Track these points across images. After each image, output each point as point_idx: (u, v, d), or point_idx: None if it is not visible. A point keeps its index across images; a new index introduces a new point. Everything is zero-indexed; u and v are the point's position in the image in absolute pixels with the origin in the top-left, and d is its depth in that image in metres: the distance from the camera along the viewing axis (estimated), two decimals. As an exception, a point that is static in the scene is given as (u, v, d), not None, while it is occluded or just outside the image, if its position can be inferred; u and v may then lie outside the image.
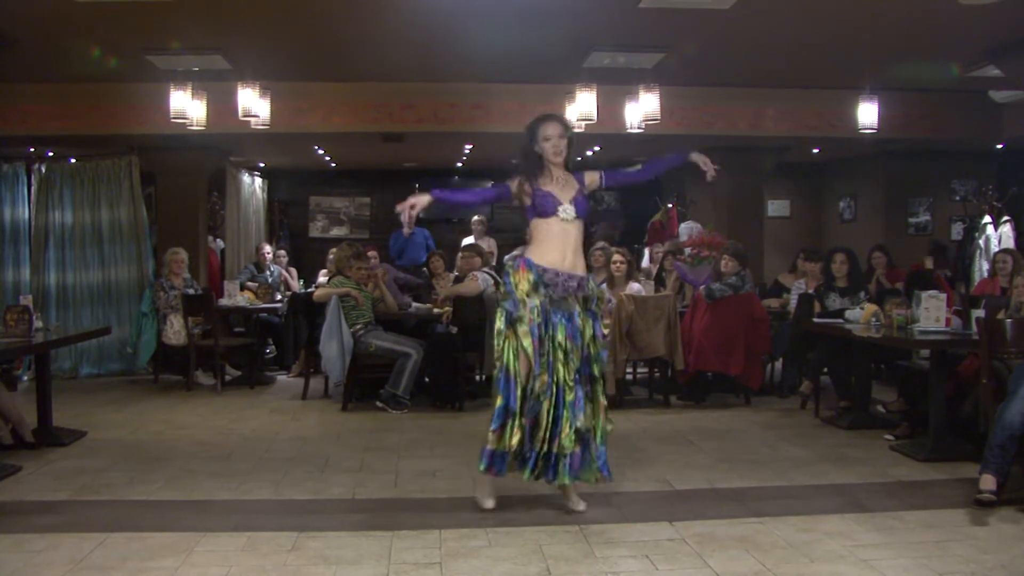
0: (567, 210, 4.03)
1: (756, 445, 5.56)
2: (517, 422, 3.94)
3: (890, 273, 7.63)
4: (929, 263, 8.63)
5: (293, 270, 10.13)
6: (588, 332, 4.06)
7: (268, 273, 9.28)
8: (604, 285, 7.20)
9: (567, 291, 4.02)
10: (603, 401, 4.11)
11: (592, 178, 4.18)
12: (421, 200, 4.02)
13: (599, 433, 4.07)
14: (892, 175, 11.01)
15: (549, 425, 3.94)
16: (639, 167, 4.76)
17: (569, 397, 3.95)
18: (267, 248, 9.68)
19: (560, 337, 3.96)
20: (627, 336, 6.59)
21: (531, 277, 3.97)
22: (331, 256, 9.61)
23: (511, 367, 3.96)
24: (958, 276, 9.21)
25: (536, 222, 4.09)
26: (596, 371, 4.09)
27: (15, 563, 3.46)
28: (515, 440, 3.94)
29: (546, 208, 4.04)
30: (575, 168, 4.22)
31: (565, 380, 3.95)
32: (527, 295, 3.96)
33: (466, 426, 6.02)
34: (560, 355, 3.95)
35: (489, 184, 3.96)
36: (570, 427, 3.95)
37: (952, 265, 9.31)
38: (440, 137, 8.97)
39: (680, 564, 3.44)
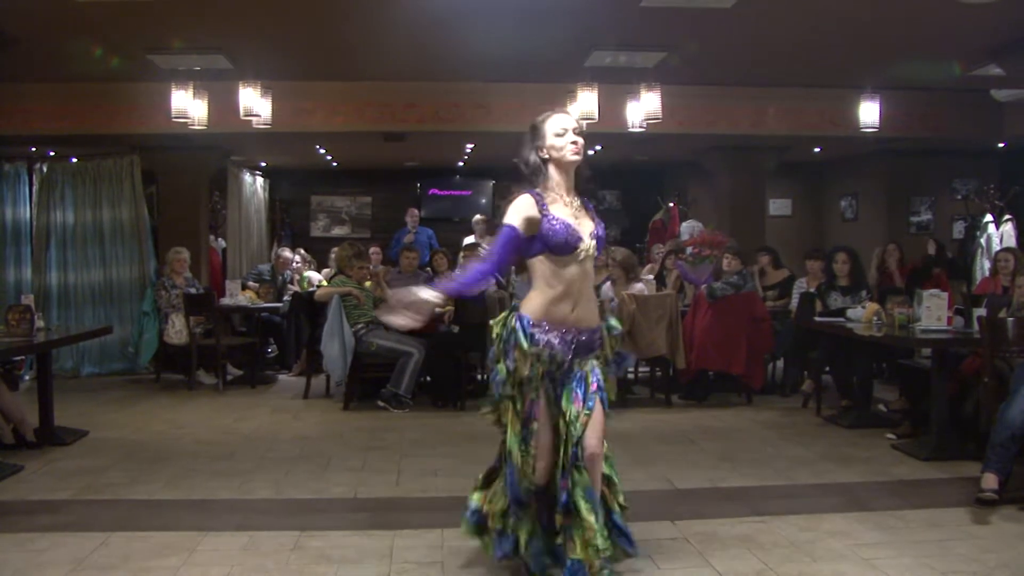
0: (588, 247, 2.99)
1: (758, 444, 5.56)
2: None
3: (899, 269, 7.68)
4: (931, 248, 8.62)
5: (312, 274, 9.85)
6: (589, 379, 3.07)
7: (281, 277, 9.13)
8: (607, 284, 7.21)
9: (578, 353, 3.03)
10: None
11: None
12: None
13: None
14: (894, 174, 10.99)
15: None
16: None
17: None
18: (287, 253, 9.50)
19: (568, 407, 3.03)
20: (629, 335, 6.58)
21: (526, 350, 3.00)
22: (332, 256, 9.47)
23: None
24: (956, 274, 9.20)
25: (541, 261, 2.99)
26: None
27: (17, 562, 3.46)
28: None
29: (565, 244, 2.94)
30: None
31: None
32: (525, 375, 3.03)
33: (468, 425, 6.02)
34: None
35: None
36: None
37: (948, 263, 9.30)
38: (442, 136, 8.97)
39: (682, 563, 3.44)
